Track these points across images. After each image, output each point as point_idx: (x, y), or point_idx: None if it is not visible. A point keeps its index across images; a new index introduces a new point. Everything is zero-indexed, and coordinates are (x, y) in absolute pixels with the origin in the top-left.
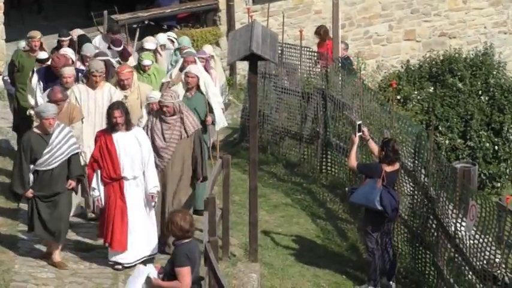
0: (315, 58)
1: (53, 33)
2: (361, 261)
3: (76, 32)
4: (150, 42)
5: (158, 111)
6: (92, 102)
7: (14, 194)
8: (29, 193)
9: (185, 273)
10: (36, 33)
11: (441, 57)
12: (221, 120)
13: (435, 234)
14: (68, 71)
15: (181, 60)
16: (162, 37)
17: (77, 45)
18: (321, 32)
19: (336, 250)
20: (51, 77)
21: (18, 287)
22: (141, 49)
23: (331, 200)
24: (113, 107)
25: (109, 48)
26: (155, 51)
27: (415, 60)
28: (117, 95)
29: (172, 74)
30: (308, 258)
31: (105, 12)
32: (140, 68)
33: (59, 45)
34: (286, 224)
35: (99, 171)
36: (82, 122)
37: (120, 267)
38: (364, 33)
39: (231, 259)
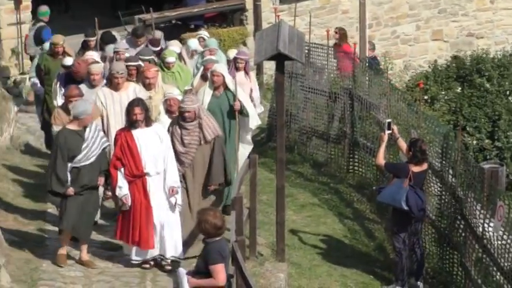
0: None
1: (79, 32)
2: (388, 261)
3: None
4: (174, 46)
5: (178, 117)
6: (118, 104)
7: (52, 193)
8: (70, 191)
9: (220, 270)
10: (59, 39)
11: (468, 58)
12: (254, 117)
13: (463, 234)
14: (96, 68)
15: (202, 68)
16: (194, 42)
17: (100, 42)
18: (340, 33)
19: (364, 250)
20: (70, 82)
21: (46, 286)
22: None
23: (358, 200)
24: (132, 104)
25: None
26: (180, 55)
27: (442, 60)
28: (142, 94)
29: (194, 82)
30: (335, 258)
31: (136, 17)
32: (164, 65)
33: (86, 45)
34: (314, 223)
35: (122, 170)
36: (102, 121)
37: (147, 266)
38: (392, 33)
39: (258, 258)
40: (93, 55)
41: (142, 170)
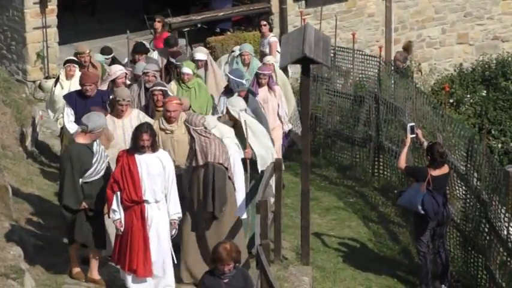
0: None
1: (105, 36)
2: (413, 264)
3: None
4: (200, 53)
5: None
6: (120, 130)
7: (66, 208)
8: (84, 204)
9: None
10: (84, 48)
11: (494, 61)
12: (264, 159)
13: (487, 238)
14: (115, 69)
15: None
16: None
17: (132, 52)
18: None
19: (388, 253)
20: (81, 103)
21: None
22: (192, 61)
23: (383, 203)
24: (142, 129)
25: (168, 63)
26: (205, 64)
27: (468, 64)
28: (147, 120)
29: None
30: (360, 261)
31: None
32: (179, 77)
33: (134, 61)
34: (338, 227)
35: (119, 193)
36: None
37: None
38: (417, 36)
39: (282, 262)
40: (119, 71)
41: (142, 196)
